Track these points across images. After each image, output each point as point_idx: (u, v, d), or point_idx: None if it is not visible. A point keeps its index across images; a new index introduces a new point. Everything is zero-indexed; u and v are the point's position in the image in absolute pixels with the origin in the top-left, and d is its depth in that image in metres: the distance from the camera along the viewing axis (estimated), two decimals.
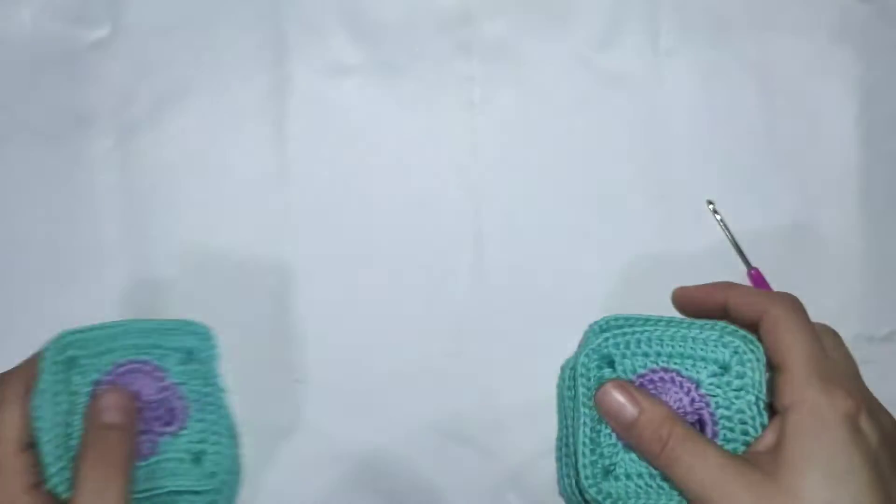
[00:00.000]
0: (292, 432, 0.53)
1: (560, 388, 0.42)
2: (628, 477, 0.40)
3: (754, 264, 0.54)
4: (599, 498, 0.39)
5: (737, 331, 0.39)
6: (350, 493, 0.53)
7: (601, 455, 0.40)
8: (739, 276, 0.54)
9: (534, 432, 0.53)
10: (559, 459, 0.42)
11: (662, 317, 0.41)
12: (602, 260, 0.54)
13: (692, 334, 0.40)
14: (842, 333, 0.54)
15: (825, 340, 0.39)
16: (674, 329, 0.40)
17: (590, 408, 0.40)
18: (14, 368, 0.44)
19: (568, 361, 0.42)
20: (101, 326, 0.43)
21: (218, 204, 0.52)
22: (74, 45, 0.52)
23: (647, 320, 0.41)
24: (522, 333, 0.53)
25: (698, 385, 0.40)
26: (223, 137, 0.52)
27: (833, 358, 0.39)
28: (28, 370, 0.42)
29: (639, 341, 0.41)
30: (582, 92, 0.54)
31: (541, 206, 0.54)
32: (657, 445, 0.38)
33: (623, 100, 0.54)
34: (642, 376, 0.40)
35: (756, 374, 0.38)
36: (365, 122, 0.53)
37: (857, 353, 0.54)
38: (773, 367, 0.38)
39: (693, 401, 0.40)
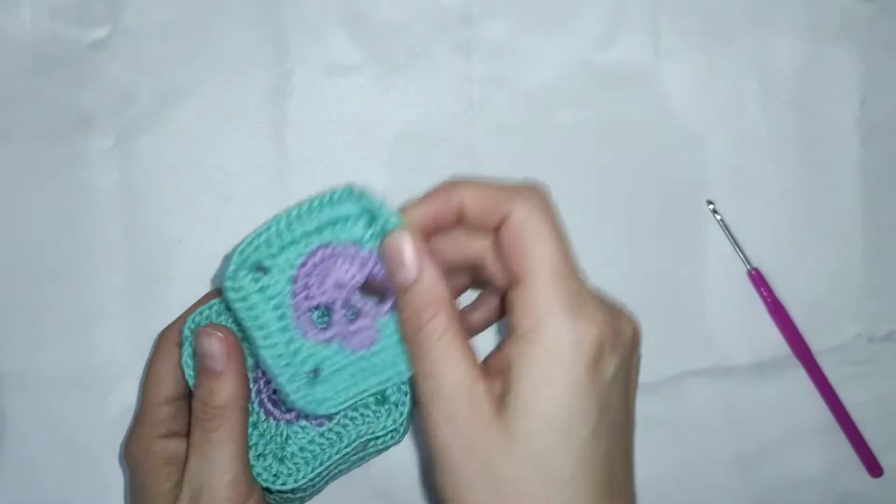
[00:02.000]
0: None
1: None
2: (336, 373, 0.39)
3: (754, 264, 0.54)
4: (320, 409, 0.38)
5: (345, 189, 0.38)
6: (350, 493, 0.53)
7: (301, 363, 0.38)
8: (741, 276, 0.54)
9: None
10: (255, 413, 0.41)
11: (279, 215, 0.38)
12: (602, 260, 0.54)
13: (318, 203, 0.38)
14: (842, 333, 0.55)
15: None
16: (298, 210, 0.38)
17: (262, 327, 0.38)
18: (174, 321, 0.45)
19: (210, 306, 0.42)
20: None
21: (218, 204, 0.52)
22: (74, 45, 0.52)
23: (269, 223, 0.38)
24: None
25: (361, 243, 0.38)
26: (223, 137, 0.52)
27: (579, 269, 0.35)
28: (181, 321, 0.43)
29: (279, 233, 0.38)
30: (582, 92, 0.54)
31: None
32: (415, 324, 0.36)
33: (623, 100, 0.54)
34: (304, 266, 0.38)
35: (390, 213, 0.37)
36: (365, 122, 0.53)
37: (858, 353, 0.55)
38: (513, 281, 0.36)
39: (363, 263, 0.38)
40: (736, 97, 0.54)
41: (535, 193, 0.37)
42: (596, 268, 0.53)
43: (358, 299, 0.40)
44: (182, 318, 0.44)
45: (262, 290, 0.39)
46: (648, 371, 0.53)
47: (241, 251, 0.39)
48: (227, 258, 0.39)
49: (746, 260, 0.54)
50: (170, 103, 0.52)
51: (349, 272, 0.39)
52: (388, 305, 0.39)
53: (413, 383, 0.38)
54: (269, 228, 0.39)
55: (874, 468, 0.55)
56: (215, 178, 0.52)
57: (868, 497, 0.55)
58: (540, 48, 0.54)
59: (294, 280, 0.39)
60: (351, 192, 0.39)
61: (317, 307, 0.40)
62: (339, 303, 0.39)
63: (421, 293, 0.36)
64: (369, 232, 0.39)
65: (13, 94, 0.51)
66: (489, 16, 0.53)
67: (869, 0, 0.55)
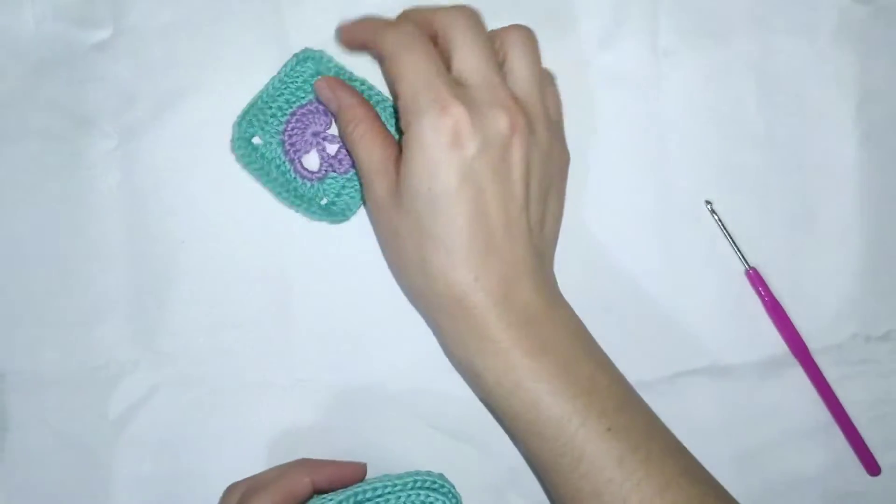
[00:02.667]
0: (293, 432, 0.53)
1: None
2: (340, 193, 0.52)
3: (753, 264, 0.54)
4: (344, 218, 0.52)
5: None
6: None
7: (312, 199, 0.52)
8: (738, 275, 0.55)
9: None
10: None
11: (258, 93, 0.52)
12: (601, 259, 0.54)
13: (283, 76, 0.52)
14: (840, 332, 0.55)
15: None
16: (270, 86, 0.52)
17: (273, 181, 0.52)
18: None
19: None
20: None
21: (219, 204, 0.52)
22: (76, 47, 0.52)
23: (251, 102, 0.52)
24: None
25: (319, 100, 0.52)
26: (225, 138, 0.52)
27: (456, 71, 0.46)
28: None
29: (261, 109, 0.52)
30: (581, 92, 0.54)
31: None
32: (346, 134, 0.49)
33: (623, 100, 0.54)
34: (286, 129, 0.52)
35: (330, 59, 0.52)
36: None
37: (855, 352, 0.55)
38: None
39: (327, 112, 0.52)
40: (734, 97, 0.54)
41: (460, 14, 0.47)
42: (594, 266, 0.54)
43: (332, 137, 0.53)
44: (250, 478, 0.51)
45: (262, 155, 0.52)
46: (645, 370, 0.53)
47: (239, 123, 0.51)
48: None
49: (744, 259, 0.54)
50: (172, 104, 0.52)
51: (319, 121, 0.52)
52: None
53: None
54: (252, 107, 0.51)
55: (872, 467, 0.55)
56: (217, 179, 0.52)
57: (866, 496, 0.55)
58: (539, 48, 0.53)
59: (283, 143, 0.52)
60: (304, 56, 0.51)
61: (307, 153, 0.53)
62: (321, 144, 0.53)
63: (344, 113, 0.49)
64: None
65: (15, 94, 0.51)
66: (489, 16, 0.53)
67: (867, 1, 0.55)
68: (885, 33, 0.55)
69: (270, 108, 0.51)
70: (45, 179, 0.52)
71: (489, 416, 0.52)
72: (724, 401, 0.55)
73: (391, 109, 0.51)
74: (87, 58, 0.52)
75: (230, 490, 0.50)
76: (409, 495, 0.49)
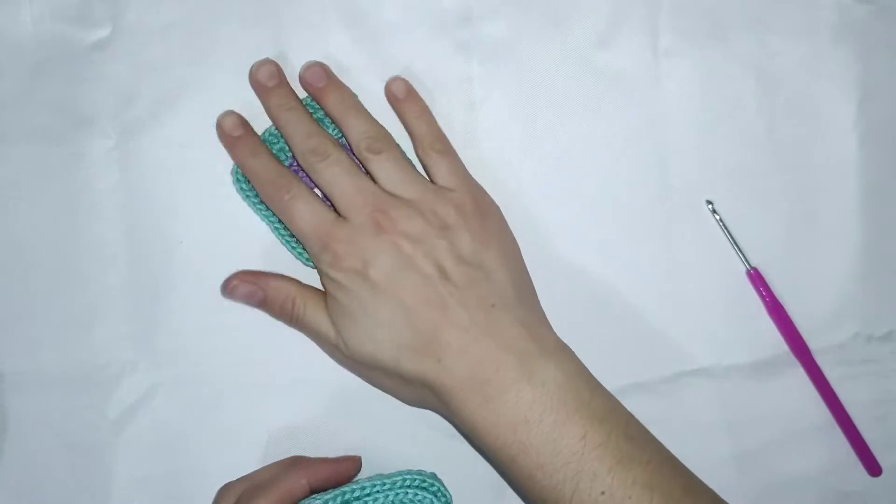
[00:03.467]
0: (292, 432, 0.53)
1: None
2: None
3: (753, 264, 0.54)
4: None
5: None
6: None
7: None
8: (739, 275, 0.54)
9: None
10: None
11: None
12: (602, 260, 0.54)
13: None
14: (841, 332, 0.55)
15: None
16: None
17: (270, 216, 0.52)
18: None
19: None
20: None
21: (218, 204, 0.52)
22: (75, 46, 0.52)
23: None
24: None
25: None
26: None
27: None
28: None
29: (269, 141, 0.51)
30: (582, 92, 0.54)
31: (540, 206, 0.54)
32: (287, 318, 0.50)
33: (623, 100, 0.54)
34: (291, 166, 0.51)
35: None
36: None
37: (856, 352, 0.55)
38: None
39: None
40: (734, 97, 0.54)
41: None
42: (595, 266, 0.54)
43: None
44: (244, 479, 0.51)
45: None
46: (646, 370, 0.53)
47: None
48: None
49: (745, 259, 0.54)
50: (170, 104, 0.52)
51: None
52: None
53: None
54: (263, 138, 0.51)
55: (873, 467, 0.55)
56: (216, 179, 0.52)
57: (867, 496, 0.55)
58: (540, 48, 0.54)
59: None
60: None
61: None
62: None
63: (271, 300, 0.51)
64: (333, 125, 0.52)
65: (13, 94, 0.51)
66: (489, 16, 0.53)
67: (867, 1, 0.55)
68: (885, 33, 0.55)
69: (279, 140, 0.51)
70: (43, 179, 0.52)
71: None
72: (725, 401, 0.55)
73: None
74: (85, 57, 0.52)
75: (224, 490, 0.50)
76: (398, 493, 0.49)
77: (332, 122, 0.51)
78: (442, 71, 0.53)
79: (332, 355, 0.51)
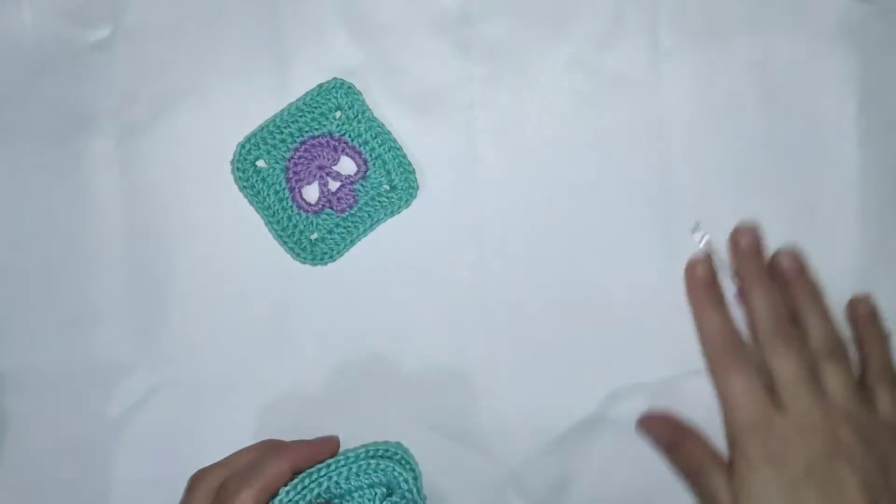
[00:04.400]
0: (292, 432, 0.53)
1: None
2: (330, 232, 0.52)
3: None
4: (323, 261, 0.52)
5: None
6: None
7: (302, 233, 0.52)
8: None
9: (534, 432, 0.53)
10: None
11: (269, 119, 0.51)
12: (602, 260, 0.54)
13: (301, 104, 0.51)
14: (841, 332, 0.55)
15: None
16: (283, 114, 0.51)
17: (267, 207, 0.52)
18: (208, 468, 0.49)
19: None
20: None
21: (218, 204, 0.52)
22: (75, 46, 0.52)
23: (262, 126, 0.52)
24: (523, 333, 0.53)
25: (331, 134, 0.52)
26: (223, 138, 0.52)
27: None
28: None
29: (270, 133, 0.51)
30: (582, 92, 0.54)
31: (541, 207, 0.54)
32: (692, 476, 0.50)
33: (623, 100, 0.54)
34: (292, 157, 0.52)
35: (358, 96, 0.52)
36: None
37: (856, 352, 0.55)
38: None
39: (336, 147, 0.52)
40: (734, 97, 0.54)
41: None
42: (594, 266, 0.54)
43: (336, 174, 0.52)
44: (220, 466, 0.48)
45: (263, 178, 0.52)
46: (648, 371, 0.53)
47: (243, 146, 0.51)
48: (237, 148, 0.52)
49: (733, 280, 0.53)
50: (170, 104, 0.52)
51: (327, 155, 0.52)
52: (361, 172, 0.52)
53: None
54: (262, 129, 0.52)
55: None
56: (215, 179, 0.52)
57: None
58: (539, 48, 0.54)
59: (286, 169, 0.52)
60: (330, 86, 0.52)
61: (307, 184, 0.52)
62: (324, 179, 0.52)
63: (684, 455, 0.51)
64: (338, 122, 0.52)
65: (14, 94, 0.52)
66: (489, 16, 0.53)
67: (867, 0, 0.55)
68: (885, 33, 0.55)
69: (282, 132, 0.52)
70: (43, 179, 0.52)
71: (489, 417, 0.52)
72: None
73: (402, 158, 0.52)
74: (85, 57, 0.52)
75: (199, 479, 0.48)
76: (361, 465, 0.48)
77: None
78: (442, 71, 0.53)
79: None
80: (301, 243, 0.52)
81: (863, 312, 0.52)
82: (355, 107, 0.52)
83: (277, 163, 0.52)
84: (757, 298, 0.50)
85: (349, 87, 0.52)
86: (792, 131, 0.55)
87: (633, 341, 0.54)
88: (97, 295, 0.52)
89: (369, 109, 0.52)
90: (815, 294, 0.52)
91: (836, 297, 0.55)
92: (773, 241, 0.54)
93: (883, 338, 0.52)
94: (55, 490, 0.52)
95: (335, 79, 0.52)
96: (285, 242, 0.52)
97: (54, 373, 0.52)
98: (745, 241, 0.52)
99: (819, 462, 0.46)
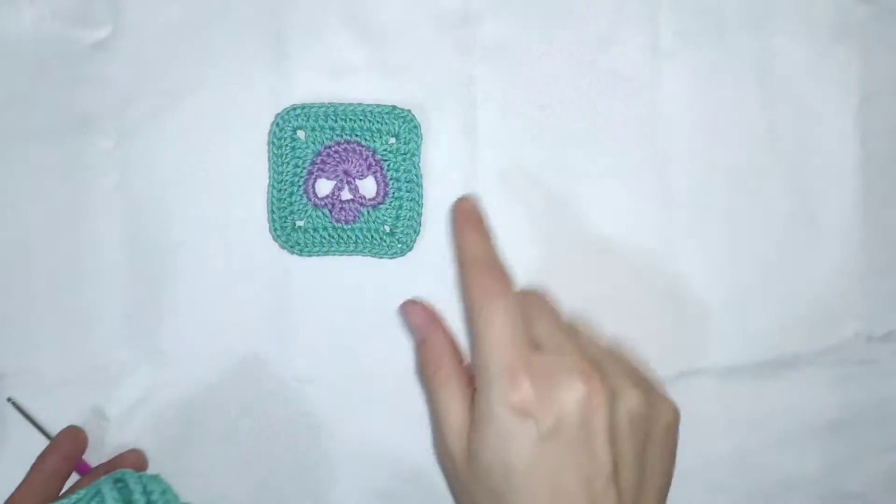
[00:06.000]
0: (291, 431, 0.53)
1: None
2: (315, 230, 0.52)
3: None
4: (294, 250, 0.52)
5: (404, 111, 0.51)
6: (350, 493, 0.53)
7: (292, 213, 0.52)
8: (739, 275, 0.54)
9: None
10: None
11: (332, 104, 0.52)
12: (602, 260, 0.54)
13: (369, 109, 0.52)
14: (840, 332, 0.55)
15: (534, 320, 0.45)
16: (354, 106, 0.52)
17: (279, 172, 0.52)
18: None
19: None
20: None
21: (218, 205, 0.52)
22: (75, 46, 0.52)
23: (322, 105, 0.52)
24: None
25: (374, 152, 0.52)
26: (223, 138, 0.52)
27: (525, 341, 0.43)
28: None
29: (326, 115, 0.52)
30: (582, 92, 0.54)
31: (541, 207, 0.54)
32: (425, 372, 0.47)
33: (623, 100, 0.54)
34: (329, 147, 0.52)
35: (418, 140, 0.52)
36: None
37: (856, 352, 0.55)
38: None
39: (370, 165, 0.52)
40: (734, 97, 0.54)
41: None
42: (595, 266, 0.54)
43: (354, 188, 0.53)
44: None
45: (293, 147, 0.52)
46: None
47: (295, 108, 0.52)
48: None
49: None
50: (170, 104, 0.52)
51: (357, 167, 0.52)
52: (375, 200, 0.53)
53: None
54: (319, 108, 0.52)
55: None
56: (216, 180, 0.52)
57: (867, 496, 0.55)
58: (540, 48, 0.54)
59: (318, 153, 0.52)
60: (401, 115, 0.52)
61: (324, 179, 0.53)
62: (340, 183, 0.53)
63: (428, 351, 0.47)
64: (385, 147, 0.52)
65: (14, 94, 0.52)
66: (489, 15, 0.53)
67: (867, 1, 0.55)
68: (885, 33, 0.55)
69: (336, 120, 0.52)
70: (43, 179, 0.52)
71: None
72: (725, 401, 0.55)
73: (417, 216, 0.52)
74: (85, 57, 0.52)
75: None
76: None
77: None
78: (442, 71, 0.53)
79: (442, 446, 0.46)
80: (285, 221, 0.52)
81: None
82: (409, 146, 0.52)
83: (314, 143, 0.52)
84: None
85: (415, 126, 0.52)
86: (792, 131, 0.55)
87: (633, 341, 0.54)
88: (97, 295, 0.52)
89: (419, 156, 0.52)
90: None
91: (836, 297, 0.55)
92: (772, 241, 0.55)
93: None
94: None
95: (409, 111, 0.52)
96: (272, 212, 0.52)
97: (54, 373, 0.52)
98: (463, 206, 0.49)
99: (571, 410, 0.42)
